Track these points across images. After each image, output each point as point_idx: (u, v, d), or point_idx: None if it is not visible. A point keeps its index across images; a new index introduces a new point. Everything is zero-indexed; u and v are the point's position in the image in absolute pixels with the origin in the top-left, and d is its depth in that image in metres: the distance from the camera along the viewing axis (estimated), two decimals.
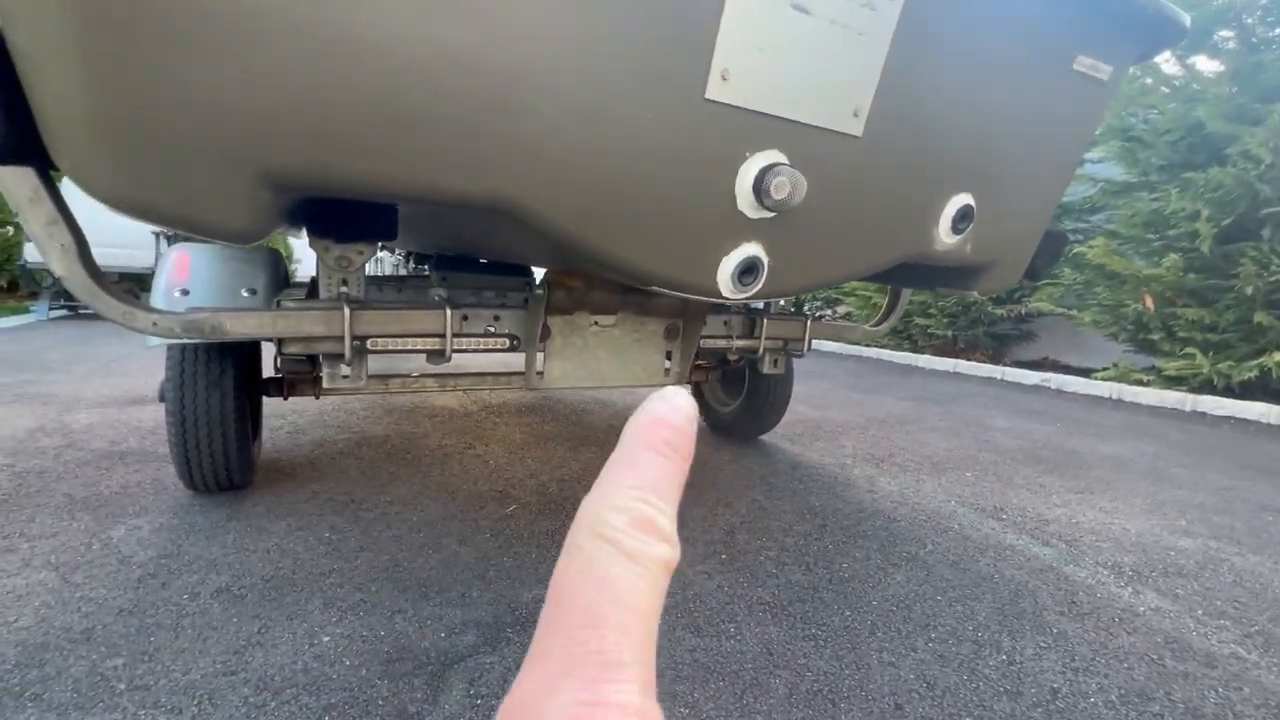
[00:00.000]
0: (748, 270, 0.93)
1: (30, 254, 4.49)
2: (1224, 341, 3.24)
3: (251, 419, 1.45)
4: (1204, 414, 3.23)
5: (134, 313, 0.89)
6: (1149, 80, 3.64)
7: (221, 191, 0.62)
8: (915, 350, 5.08)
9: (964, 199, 1.12)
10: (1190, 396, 3.30)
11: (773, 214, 0.90)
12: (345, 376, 1.13)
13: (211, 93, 0.57)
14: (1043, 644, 0.99)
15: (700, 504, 1.52)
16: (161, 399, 1.34)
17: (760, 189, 0.86)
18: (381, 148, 0.65)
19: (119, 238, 5.01)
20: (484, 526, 1.32)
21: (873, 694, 0.84)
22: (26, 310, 5.03)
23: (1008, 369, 4.29)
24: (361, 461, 1.70)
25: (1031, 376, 4.10)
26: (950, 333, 4.81)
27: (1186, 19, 1.13)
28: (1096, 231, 4.20)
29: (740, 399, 2.10)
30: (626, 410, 2.50)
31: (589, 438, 2.06)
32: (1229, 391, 3.22)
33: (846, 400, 3.05)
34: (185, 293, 1.20)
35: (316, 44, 0.59)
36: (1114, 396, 3.63)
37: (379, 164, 0.66)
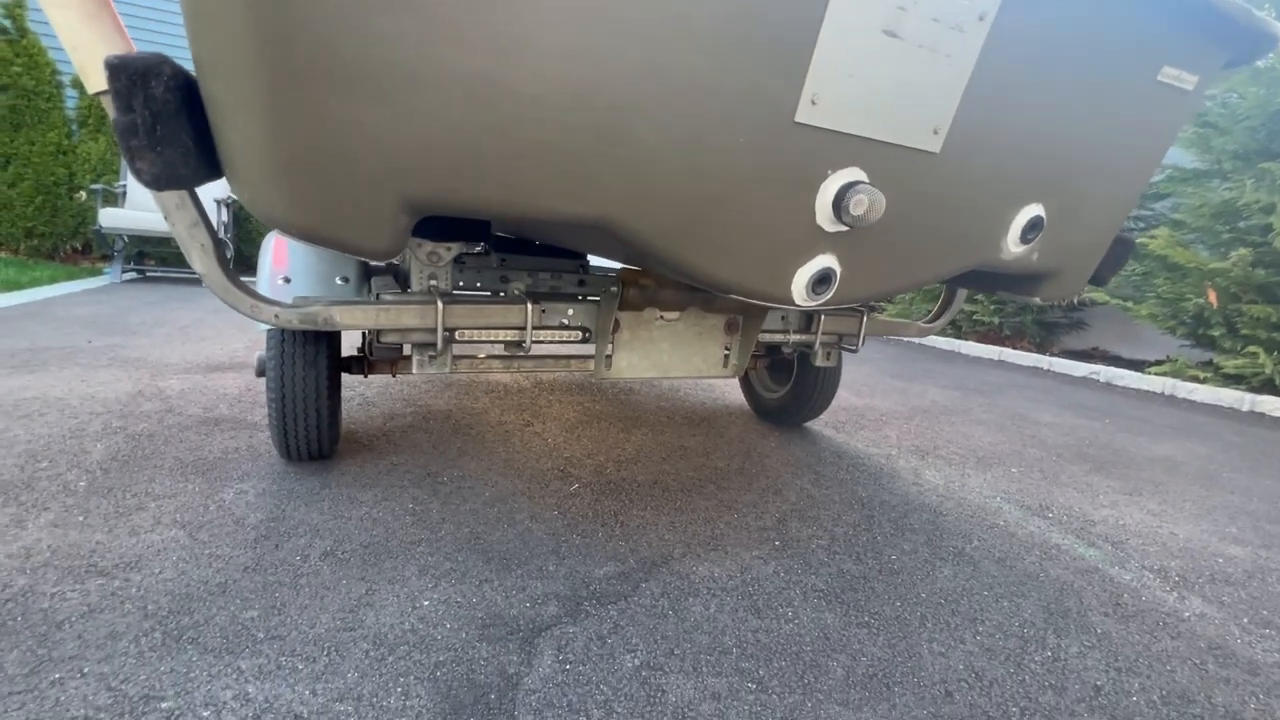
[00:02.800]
0: (821, 280, 0.98)
1: (104, 219, 4.73)
2: None
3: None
4: (1263, 415, 3.15)
5: (260, 306, 0.99)
6: None
7: (371, 218, 0.70)
8: (958, 336, 5.00)
9: (1035, 209, 1.13)
10: (1249, 396, 3.21)
11: (849, 228, 0.94)
12: (433, 358, 1.22)
13: (369, 138, 0.65)
14: (1087, 643, 1.04)
15: (751, 490, 1.59)
16: (260, 374, 1.46)
17: (840, 205, 0.90)
18: (509, 178, 0.72)
19: None
20: (551, 504, 1.42)
21: (924, 681, 0.91)
22: (101, 272, 5.32)
23: (1055, 359, 4.21)
24: (430, 435, 1.81)
25: (1080, 368, 4.03)
26: (996, 319, 4.73)
27: (1279, 29, 1.10)
28: (1160, 220, 4.05)
29: (788, 387, 2.15)
30: (670, 392, 2.58)
31: (639, 419, 2.14)
32: None
33: (889, 388, 3.06)
34: (287, 280, 1.30)
35: (460, 92, 0.65)
36: (1167, 393, 3.55)
37: (506, 192, 0.73)
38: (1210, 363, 3.48)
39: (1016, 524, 1.52)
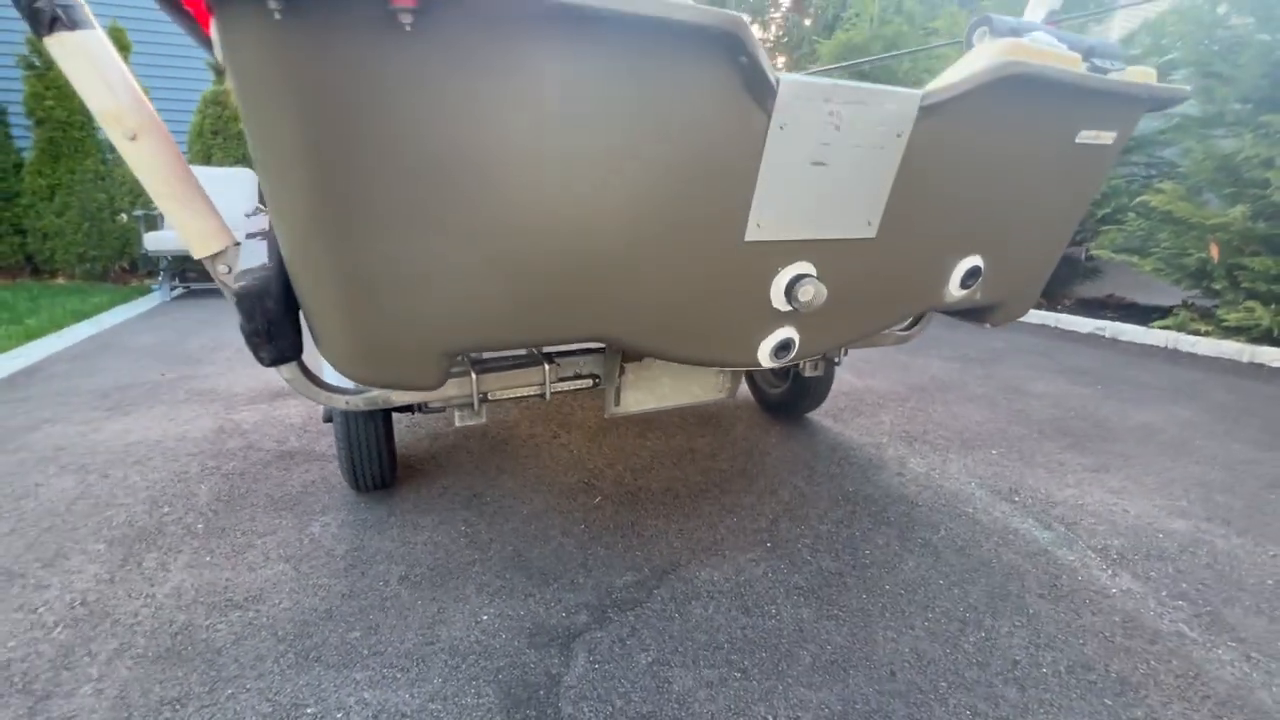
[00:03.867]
0: (783, 347, 1.19)
1: (148, 243, 5.06)
2: None
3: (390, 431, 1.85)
4: (1261, 366, 3.25)
5: (334, 397, 1.24)
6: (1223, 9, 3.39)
7: (422, 369, 0.94)
8: None
9: (973, 260, 1.31)
10: (1249, 348, 3.30)
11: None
12: (471, 413, 1.47)
13: (419, 322, 0.89)
14: (1018, 623, 1.28)
15: (751, 491, 1.84)
16: (327, 420, 1.74)
17: (790, 293, 1.11)
18: (529, 324, 0.95)
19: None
20: (578, 518, 1.69)
21: (875, 663, 1.16)
22: (150, 289, 5.70)
23: (1062, 315, 4.29)
24: (472, 455, 2.09)
25: (1086, 324, 4.12)
26: None
27: (1187, 89, 1.24)
28: (1166, 171, 4.04)
29: (787, 384, 2.36)
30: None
31: (652, 422, 2.39)
32: None
33: (891, 363, 3.24)
34: None
35: (484, 277, 0.88)
36: (1170, 346, 3.65)
37: (528, 333, 0.96)
38: (1213, 314, 3.55)
39: (984, 509, 1.74)
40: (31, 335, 3.81)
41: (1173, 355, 3.52)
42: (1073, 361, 3.34)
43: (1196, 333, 3.55)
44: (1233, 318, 3.33)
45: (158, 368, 3.13)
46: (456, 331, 0.93)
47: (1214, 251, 3.41)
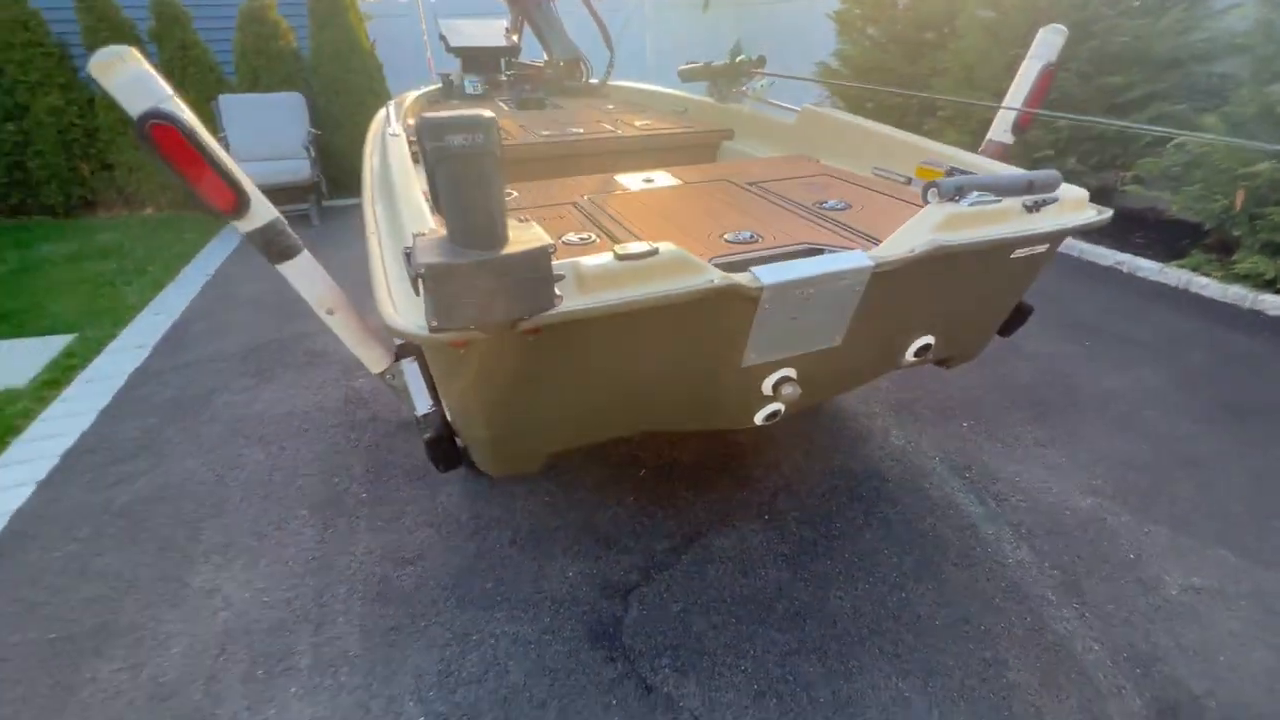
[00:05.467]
0: (771, 415, 1.68)
1: None
2: None
3: None
4: (1260, 313, 3.47)
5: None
6: None
7: (534, 463, 1.49)
8: None
9: (924, 339, 1.72)
10: (1252, 294, 3.50)
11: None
12: None
13: (539, 431, 1.42)
14: (930, 587, 1.86)
15: (759, 465, 2.40)
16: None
17: (775, 389, 1.58)
18: (595, 434, 1.48)
19: (272, 151, 5.89)
20: (628, 489, 2.30)
21: (824, 616, 1.78)
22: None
23: (1084, 244, 4.42)
24: None
25: (1108, 257, 4.27)
26: None
27: (1109, 214, 1.54)
28: (1213, 93, 3.91)
29: None
30: None
31: None
32: None
33: None
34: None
35: (571, 414, 1.39)
36: (1182, 286, 3.84)
37: (594, 437, 1.49)
38: (1228, 259, 3.69)
39: (938, 485, 2.26)
40: (159, 284, 4.48)
41: (1180, 297, 3.73)
42: (1078, 310, 3.61)
43: (1209, 275, 3.72)
44: (1242, 266, 3.49)
45: (273, 324, 3.77)
46: (556, 445, 1.48)
47: (1239, 199, 3.47)
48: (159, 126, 1.15)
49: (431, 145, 0.79)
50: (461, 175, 0.81)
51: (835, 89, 6.85)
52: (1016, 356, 3.11)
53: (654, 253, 1.16)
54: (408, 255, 0.98)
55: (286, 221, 1.44)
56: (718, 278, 1.22)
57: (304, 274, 1.48)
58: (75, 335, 3.65)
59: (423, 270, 0.83)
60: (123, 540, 2.13)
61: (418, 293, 0.96)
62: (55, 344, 3.54)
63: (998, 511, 2.14)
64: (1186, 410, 2.65)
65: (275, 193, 6.41)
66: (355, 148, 6.66)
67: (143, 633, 1.79)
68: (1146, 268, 4.03)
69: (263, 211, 1.37)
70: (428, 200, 1.45)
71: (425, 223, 1.37)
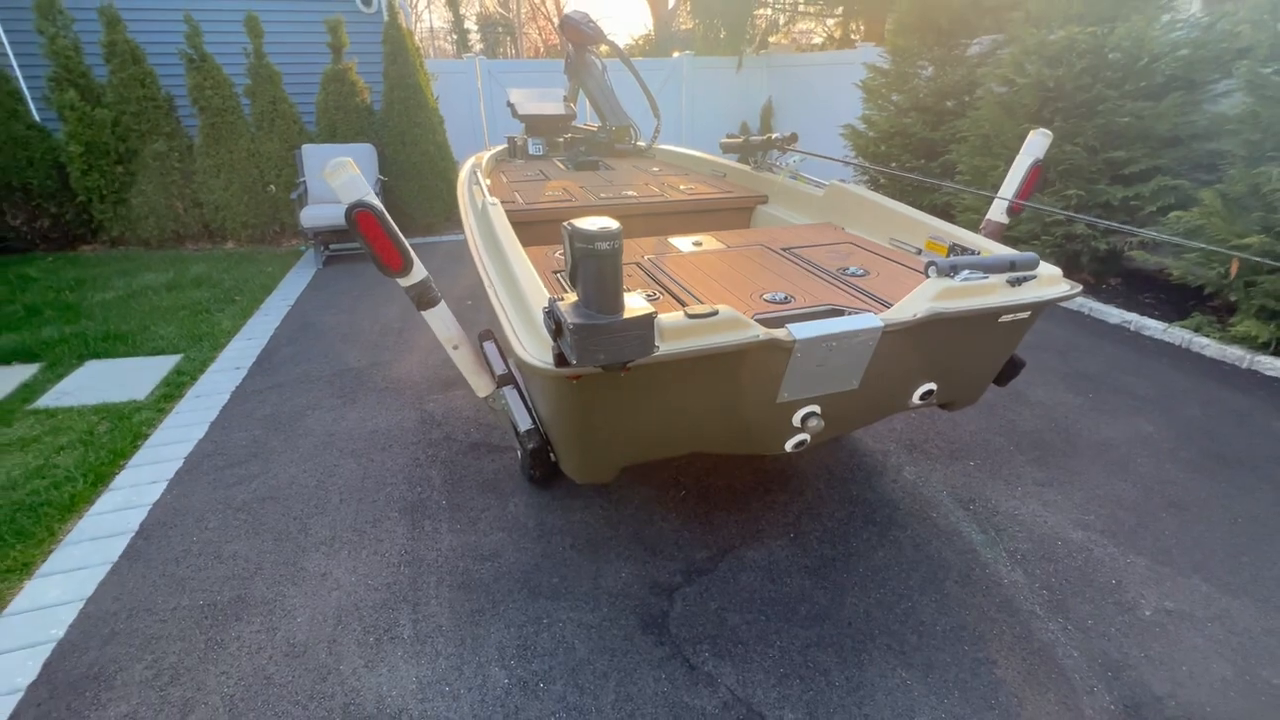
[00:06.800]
0: (799, 444, 2.04)
1: (304, 220, 6.09)
2: None
3: None
4: (1256, 372, 3.72)
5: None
6: None
7: (612, 473, 1.86)
8: None
9: (928, 385, 2.07)
10: (1249, 355, 3.76)
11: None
12: None
13: (618, 447, 1.79)
14: (934, 598, 2.16)
15: (785, 490, 2.73)
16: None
17: (803, 422, 1.94)
18: (660, 452, 1.85)
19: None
20: (671, 507, 2.65)
21: (840, 618, 2.09)
22: (300, 250, 6.86)
23: (1095, 303, 4.73)
24: None
25: (1115, 315, 4.56)
26: (1053, 260, 5.15)
27: (1078, 289, 1.90)
28: (1212, 168, 4.24)
29: None
30: None
31: None
32: None
33: None
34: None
35: (639, 437, 1.77)
36: (1184, 345, 4.11)
37: (659, 454, 1.86)
38: (1226, 321, 3.96)
39: (944, 515, 2.57)
40: (246, 312, 5.03)
41: (1182, 355, 4.00)
42: (1084, 364, 3.91)
43: (1208, 335, 3.99)
44: (1238, 329, 3.77)
45: (352, 352, 4.24)
46: (629, 459, 1.85)
47: (1234, 267, 3.78)
48: (362, 212, 1.60)
49: (582, 246, 1.19)
50: (600, 267, 1.21)
51: (861, 153, 7.33)
52: (1022, 404, 3.41)
53: (715, 313, 1.56)
54: (548, 313, 1.37)
55: (431, 280, 1.87)
56: (762, 333, 1.60)
57: (440, 318, 1.91)
58: (182, 356, 4.17)
59: (571, 327, 1.23)
60: (246, 531, 2.54)
61: (554, 341, 1.36)
62: (166, 363, 4.06)
63: (996, 539, 2.43)
64: (1177, 458, 2.92)
65: (344, 232, 7.01)
66: (416, 192, 7.33)
67: (273, 605, 2.18)
68: (1151, 327, 4.31)
69: (418, 271, 1.80)
70: (536, 268, 1.88)
71: (537, 287, 1.78)
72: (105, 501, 2.72)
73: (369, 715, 1.79)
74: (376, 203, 1.63)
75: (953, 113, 6.42)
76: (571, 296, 1.33)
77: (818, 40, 16.25)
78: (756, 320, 1.71)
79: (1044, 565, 2.30)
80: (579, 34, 4.79)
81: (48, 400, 3.56)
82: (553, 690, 1.86)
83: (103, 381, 3.81)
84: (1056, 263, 5.13)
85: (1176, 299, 4.62)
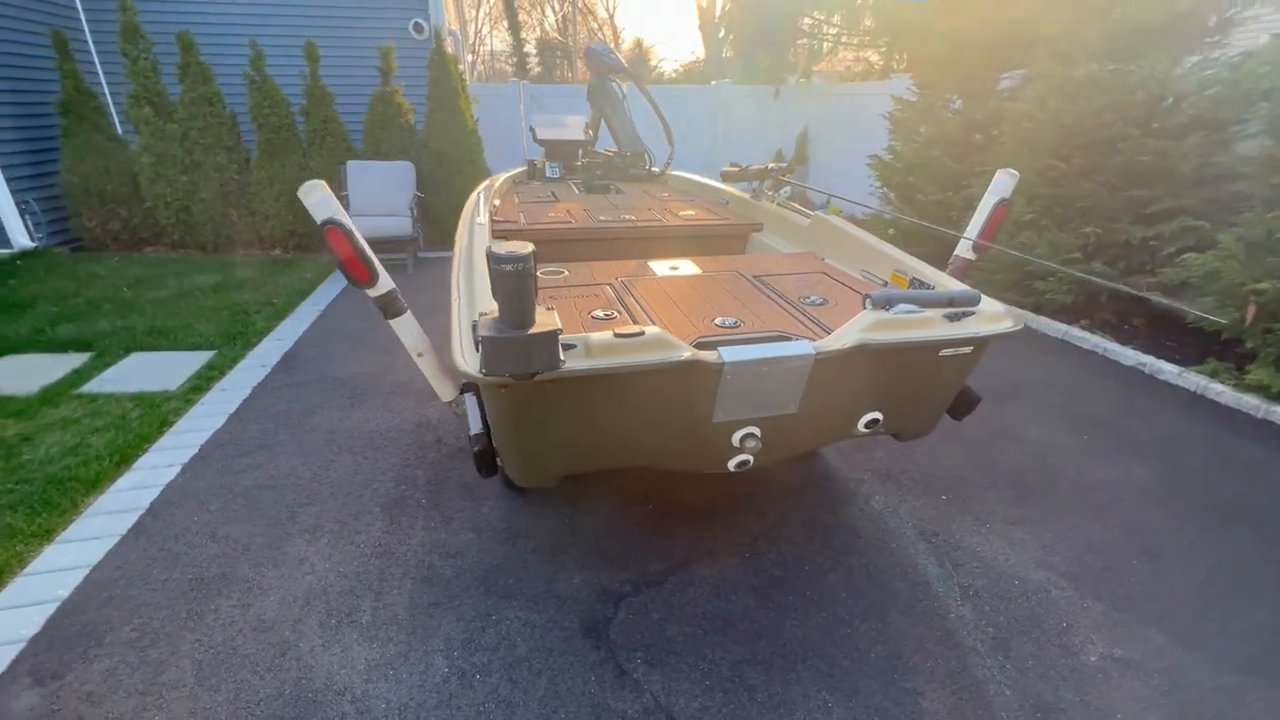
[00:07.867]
0: (741, 463, 2.11)
1: None
2: None
3: None
4: (1271, 423, 3.56)
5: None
6: None
7: (552, 480, 1.98)
8: (1035, 309, 5.33)
9: (872, 414, 2.12)
10: (1265, 405, 3.61)
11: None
12: None
13: (553, 455, 1.91)
14: (875, 627, 2.17)
15: (749, 511, 2.78)
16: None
17: (743, 441, 2.01)
18: (607, 465, 1.96)
19: (382, 209, 6.90)
20: (636, 518, 2.74)
21: (777, 638, 2.13)
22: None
23: (1111, 344, 4.59)
24: None
25: (1130, 357, 4.43)
26: (1070, 298, 5.03)
27: (1020, 329, 1.93)
28: (1235, 209, 4.11)
29: None
30: None
31: None
32: None
33: None
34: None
35: (581, 445, 1.89)
36: (1199, 391, 3.96)
37: (606, 464, 1.96)
38: (1243, 370, 3.81)
39: (904, 547, 2.57)
40: (280, 315, 5.39)
41: (1196, 401, 3.86)
42: (1086, 405, 3.81)
43: (1223, 382, 3.84)
44: (1253, 377, 3.62)
45: (370, 357, 4.50)
46: (567, 469, 1.97)
47: (1250, 313, 3.64)
48: (332, 229, 1.78)
49: (494, 267, 1.33)
50: (511, 286, 1.34)
51: (886, 183, 7.32)
52: (1012, 441, 3.37)
53: (641, 334, 1.67)
54: (474, 326, 1.51)
55: (398, 292, 2.04)
56: (687, 354, 1.70)
57: (406, 327, 2.08)
58: (215, 352, 4.51)
59: (479, 338, 1.36)
60: (241, 514, 2.75)
61: (476, 350, 1.49)
62: (201, 358, 4.40)
63: (951, 574, 2.42)
64: (1165, 505, 2.83)
65: (380, 243, 7.43)
66: (449, 209, 7.69)
67: (251, 583, 2.36)
68: (1167, 370, 4.17)
69: (384, 283, 1.97)
70: None
71: (490, 304, 1.93)
72: (125, 480, 2.99)
73: (317, 689, 1.93)
74: (346, 220, 1.81)
75: (979, 146, 6.37)
76: (495, 312, 1.47)
77: (860, 69, 16.28)
78: (700, 342, 1.80)
79: (995, 603, 2.29)
80: (600, 64, 5.03)
81: (92, 386, 3.92)
82: (487, 682, 1.96)
83: (143, 372, 4.16)
84: (1075, 302, 5.03)
85: (1200, 343, 4.45)
